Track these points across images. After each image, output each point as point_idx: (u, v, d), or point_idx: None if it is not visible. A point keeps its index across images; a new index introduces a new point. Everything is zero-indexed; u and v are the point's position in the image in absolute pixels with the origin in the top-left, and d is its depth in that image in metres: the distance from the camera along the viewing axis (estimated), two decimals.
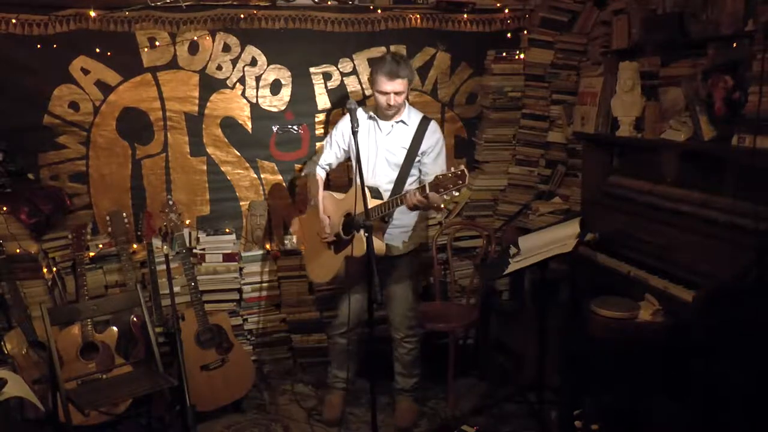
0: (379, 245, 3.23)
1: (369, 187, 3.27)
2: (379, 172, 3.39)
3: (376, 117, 3.41)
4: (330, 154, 3.55)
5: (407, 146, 3.37)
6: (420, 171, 3.42)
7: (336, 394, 3.74)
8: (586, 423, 2.86)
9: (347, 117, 3.45)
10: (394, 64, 3.21)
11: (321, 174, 3.57)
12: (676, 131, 3.20)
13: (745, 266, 2.66)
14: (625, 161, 3.82)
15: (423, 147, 3.38)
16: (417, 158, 3.39)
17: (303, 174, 3.55)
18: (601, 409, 3.07)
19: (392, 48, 4.21)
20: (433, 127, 3.42)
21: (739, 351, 2.54)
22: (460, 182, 2.80)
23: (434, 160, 3.39)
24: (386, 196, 3.30)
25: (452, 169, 2.82)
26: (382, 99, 3.27)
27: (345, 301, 3.58)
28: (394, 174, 3.38)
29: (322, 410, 3.73)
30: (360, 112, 3.44)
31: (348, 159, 3.64)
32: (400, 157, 3.38)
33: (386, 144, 3.39)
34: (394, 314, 3.57)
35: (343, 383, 3.75)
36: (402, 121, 3.39)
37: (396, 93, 3.24)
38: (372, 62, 3.35)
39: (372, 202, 3.17)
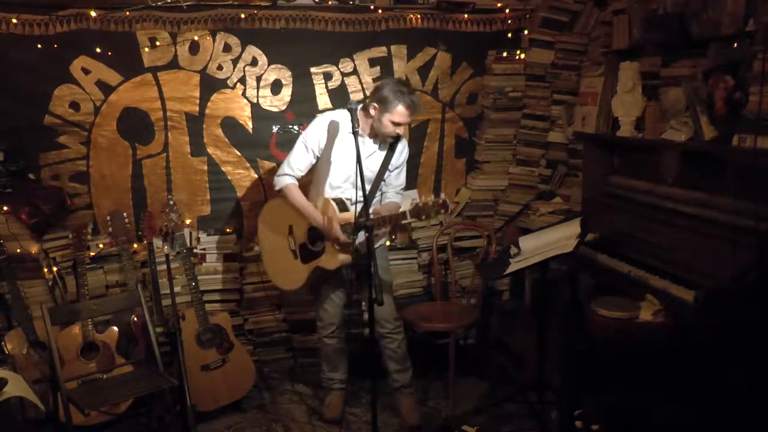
0: (343, 257, 3.30)
1: (334, 199, 3.31)
2: (352, 186, 3.35)
3: (362, 134, 3.35)
4: (305, 160, 3.44)
5: (381, 162, 3.42)
6: (383, 182, 3.48)
7: (334, 395, 3.74)
8: (586, 423, 2.86)
9: (320, 122, 3.44)
10: (415, 98, 3.24)
11: (296, 183, 3.47)
12: (677, 131, 3.19)
13: (745, 266, 2.66)
14: (626, 161, 3.82)
15: (395, 162, 3.46)
16: (388, 173, 3.45)
17: (277, 188, 3.47)
18: (602, 409, 3.06)
19: (393, 48, 4.22)
20: (404, 142, 3.50)
21: (740, 351, 2.54)
22: (443, 211, 2.91)
23: (398, 175, 3.52)
24: (353, 209, 3.26)
25: (433, 198, 2.93)
26: (390, 128, 3.27)
27: (326, 301, 3.61)
28: (366, 188, 3.30)
29: (322, 411, 3.73)
30: (341, 117, 3.40)
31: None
32: (374, 173, 3.41)
33: (367, 162, 3.35)
34: (379, 307, 3.52)
35: (340, 384, 3.75)
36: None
37: (406, 124, 3.31)
38: (386, 85, 3.27)
39: (342, 217, 3.22)
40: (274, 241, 3.64)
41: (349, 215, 3.23)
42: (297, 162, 3.45)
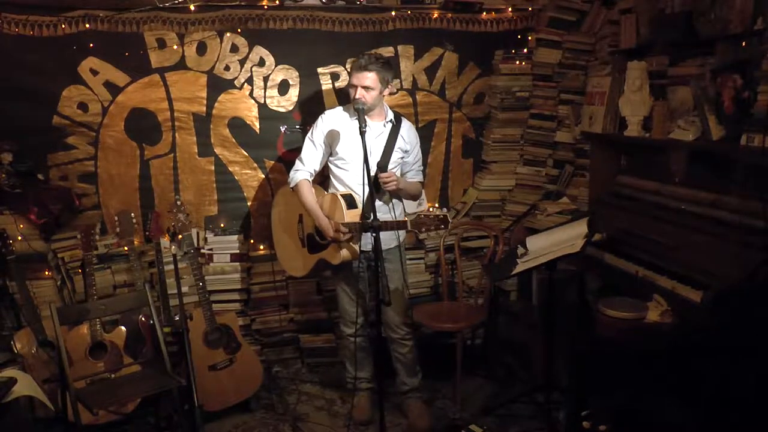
0: (345, 254, 3.29)
1: (344, 195, 3.30)
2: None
3: (366, 118, 3.35)
4: (314, 156, 3.47)
5: (386, 141, 3.42)
6: (401, 171, 3.50)
7: (362, 395, 3.71)
8: (594, 424, 2.85)
9: (327, 117, 3.48)
10: (365, 59, 3.27)
11: (309, 179, 3.49)
12: (685, 131, 3.18)
13: (753, 266, 2.64)
14: (633, 161, 3.81)
15: (405, 146, 3.46)
16: (401, 156, 3.45)
17: (291, 186, 3.49)
18: (610, 410, 3.05)
19: (400, 48, 4.22)
20: (406, 123, 3.52)
21: (748, 351, 2.53)
22: (442, 226, 2.94)
23: (414, 155, 3.54)
24: (360, 200, 3.30)
25: (434, 212, 2.96)
26: (351, 91, 3.31)
27: (345, 299, 3.60)
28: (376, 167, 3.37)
29: (351, 414, 3.64)
30: (341, 112, 3.48)
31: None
32: (386, 159, 3.40)
33: (376, 145, 3.38)
34: (391, 311, 3.51)
35: (368, 383, 3.72)
36: (391, 121, 3.44)
37: (363, 87, 3.27)
38: None
39: (348, 214, 3.20)
40: (285, 226, 3.67)
41: (358, 212, 3.23)
42: (307, 158, 3.47)
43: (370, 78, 3.25)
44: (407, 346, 3.58)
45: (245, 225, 4.26)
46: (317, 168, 3.51)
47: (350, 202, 3.26)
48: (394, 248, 3.55)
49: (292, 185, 3.49)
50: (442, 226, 2.92)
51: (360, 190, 3.28)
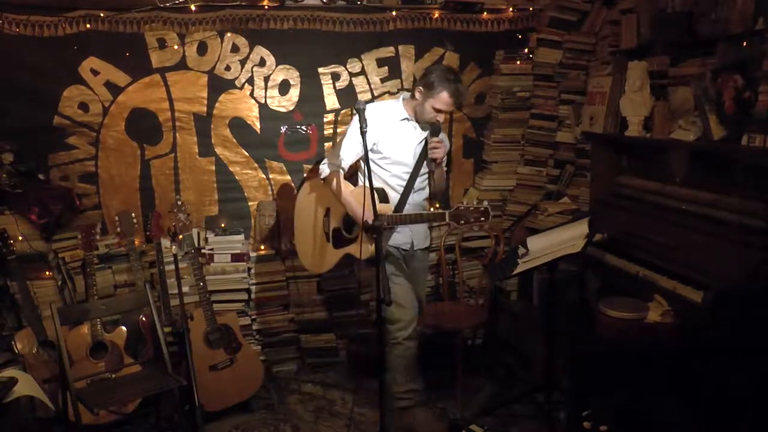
0: (371, 249, 3.18)
1: (376, 189, 3.24)
2: (402, 173, 3.34)
3: (415, 120, 3.32)
4: (352, 150, 3.30)
5: (422, 149, 3.36)
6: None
7: (419, 410, 3.48)
8: (594, 424, 2.85)
9: (371, 112, 3.28)
10: (461, 87, 3.20)
11: (341, 172, 3.36)
12: (686, 131, 3.18)
13: (754, 267, 2.64)
14: (634, 161, 3.81)
15: None
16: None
17: (322, 177, 3.39)
18: (610, 410, 3.05)
19: (401, 48, 4.23)
20: (443, 134, 3.45)
21: (748, 352, 2.53)
22: (482, 219, 2.83)
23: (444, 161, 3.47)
24: (393, 195, 3.29)
25: (475, 203, 2.86)
26: (432, 114, 3.23)
27: (399, 295, 3.30)
28: (407, 176, 3.35)
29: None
30: (391, 109, 3.36)
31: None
32: (416, 160, 3.36)
33: (418, 151, 3.34)
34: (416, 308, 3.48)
35: (420, 396, 3.52)
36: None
37: (447, 112, 3.27)
38: (434, 70, 3.26)
39: (381, 207, 3.08)
40: (310, 220, 3.60)
41: (390, 207, 3.20)
42: (344, 152, 3.31)
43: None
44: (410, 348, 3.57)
45: (246, 225, 4.26)
46: (349, 161, 3.34)
47: (383, 196, 3.21)
48: (426, 248, 3.55)
49: (323, 176, 3.38)
50: (483, 219, 2.84)
51: (397, 188, 3.31)
